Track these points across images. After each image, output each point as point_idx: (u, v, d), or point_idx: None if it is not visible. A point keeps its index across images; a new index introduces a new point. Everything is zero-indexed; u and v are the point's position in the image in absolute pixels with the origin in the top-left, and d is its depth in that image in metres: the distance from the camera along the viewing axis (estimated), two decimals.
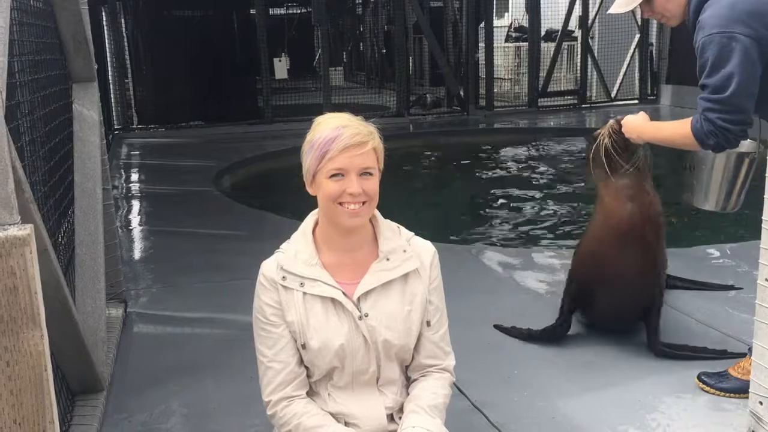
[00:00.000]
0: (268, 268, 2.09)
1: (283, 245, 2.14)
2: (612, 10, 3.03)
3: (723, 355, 3.36)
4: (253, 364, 2.14)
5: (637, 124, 3.12)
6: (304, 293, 2.04)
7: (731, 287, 4.31)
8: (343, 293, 2.04)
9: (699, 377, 3.12)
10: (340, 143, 1.94)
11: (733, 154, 2.87)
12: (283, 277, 2.05)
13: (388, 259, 2.08)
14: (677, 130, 2.87)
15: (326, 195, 1.99)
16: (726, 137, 2.70)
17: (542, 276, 4.68)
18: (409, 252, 2.11)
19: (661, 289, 3.50)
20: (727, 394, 3.02)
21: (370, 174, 2.00)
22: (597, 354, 3.49)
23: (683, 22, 2.96)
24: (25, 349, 1.56)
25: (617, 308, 3.54)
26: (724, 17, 2.67)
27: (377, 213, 2.13)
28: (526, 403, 3.07)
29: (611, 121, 3.27)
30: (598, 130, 3.37)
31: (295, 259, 2.07)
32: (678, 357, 3.40)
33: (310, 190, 2.06)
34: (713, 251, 5.13)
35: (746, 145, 2.91)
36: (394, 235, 2.14)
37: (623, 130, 3.18)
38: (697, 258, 4.97)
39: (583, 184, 8.15)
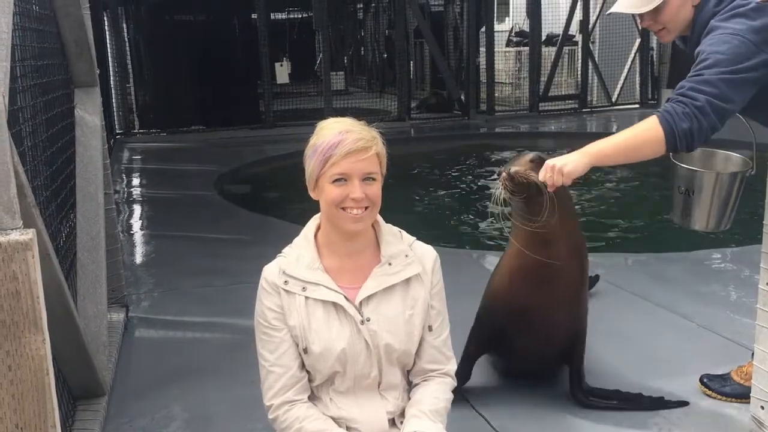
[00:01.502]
0: (270, 272, 2.09)
1: (285, 249, 2.14)
2: (615, 9, 2.80)
3: (660, 405, 2.99)
4: (254, 368, 2.15)
5: (576, 158, 2.56)
6: (306, 297, 2.04)
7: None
8: (345, 297, 2.04)
9: (701, 381, 3.12)
10: (343, 148, 1.95)
11: (727, 174, 2.79)
12: (285, 282, 2.05)
13: (390, 264, 2.08)
14: (639, 127, 2.50)
15: (329, 200, 1.99)
16: (700, 123, 2.42)
17: None
18: (411, 257, 2.11)
19: (584, 330, 3.09)
20: (729, 399, 3.02)
21: (373, 179, 2.00)
22: (599, 359, 3.48)
23: (678, 36, 2.82)
24: (27, 354, 1.57)
25: (538, 352, 3.06)
26: (740, 23, 2.51)
27: (379, 218, 2.14)
28: (528, 408, 3.07)
29: (503, 174, 2.69)
30: (502, 174, 2.73)
31: (297, 264, 2.07)
32: (604, 407, 3.00)
33: (313, 195, 2.07)
34: (714, 255, 5.13)
35: (738, 163, 2.87)
36: (396, 239, 2.14)
37: (564, 174, 2.55)
38: (698, 262, 4.97)
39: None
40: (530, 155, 2.72)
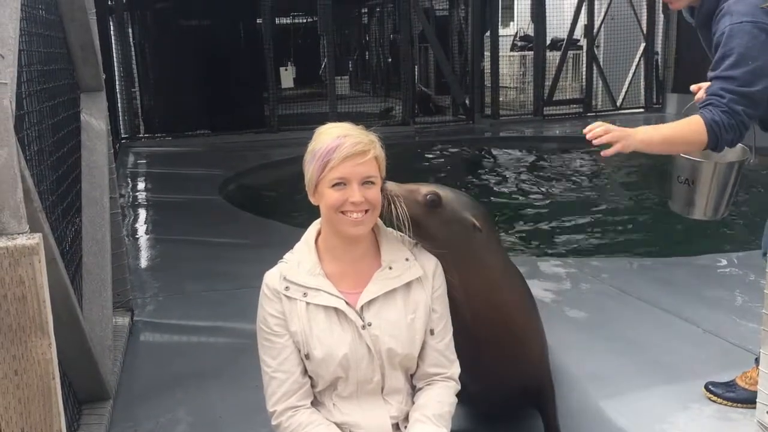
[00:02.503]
0: (271, 278, 2.10)
1: (286, 255, 2.15)
2: None
3: None
4: (258, 372, 2.15)
5: (629, 137, 2.53)
6: (307, 303, 2.04)
7: None
8: (346, 302, 2.04)
9: (706, 387, 3.11)
10: (342, 152, 1.96)
11: (724, 164, 2.78)
12: (286, 287, 2.06)
13: (390, 268, 2.08)
14: (686, 128, 2.54)
15: (329, 204, 2.00)
16: (741, 133, 2.53)
17: (548, 285, 4.67)
18: (411, 261, 2.12)
19: (548, 372, 2.77)
20: (735, 404, 3.01)
21: (372, 183, 2.01)
22: (604, 364, 3.48)
23: (687, 6, 2.78)
24: (33, 358, 1.57)
25: (497, 397, 2.73)
26: (755, 6, 2.51)
27: (379, 222, 2.14)
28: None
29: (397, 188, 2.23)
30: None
31: (298, 269, 2.07)
32: None
33: (313, 200, 2.07)
34: (720, 260, 5.11)
35: (736, 151, 2.87)
36: (397, 244, 2.15)
37: (620, 146, 2.51)
38: (704, 266, 4.95)
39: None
40: (427, 189, 2.32)
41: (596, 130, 2.51)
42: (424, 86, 16.59)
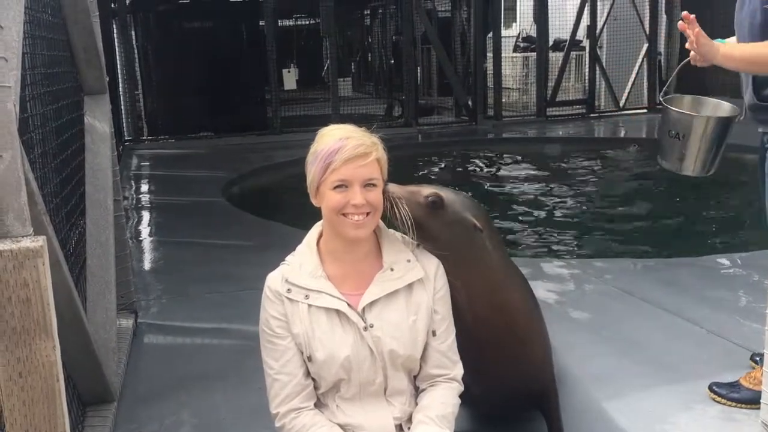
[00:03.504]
0: (273, 280, 2.10)
1: (288, 257, 2.15)
2: None
3: None
4: (262, 374, 2.15)
5: (714, 49, 2.67)
6: (309, 305, 2.05)
7: None
8: (348, 304, 2.05)
9: (710, 387, 3.10)
10: (344, 154, 1.96)
11: (715, 118, 2.80)
12: (288, 290, 2.06)
13: (392, 270, 2.09)
14: (763, 53, 2.64)
15: (330, 206, 2.00)
16: None
17: (551, 286, 4.67)
18: (413, 262, 2.12)
19: (551, 374, 2.75)
20: (739, 405, 3.00)
21: (374, 185, 2.02)
22: (607, 364, 3.47)
23: None
24: (37, 360, 1.58)
25: (499, 399, 2.71)
26: None
27: (381, 224, 2.15)
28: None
29: (398, 190, 2.23)
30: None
31: (299, 272, 2.08)
32: None
33: (315, 202, 2.08)
34: (724, 260, 5.11)
35: (727, 110, 2.89)
36: (398, 245, 2.15)
37: (699, 46, 2.66)
38: (708, 267, 4.95)
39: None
40: (428, 191, 2.30)
41: (688, 31, 2.63)
42: (429, 90, 16.60)
